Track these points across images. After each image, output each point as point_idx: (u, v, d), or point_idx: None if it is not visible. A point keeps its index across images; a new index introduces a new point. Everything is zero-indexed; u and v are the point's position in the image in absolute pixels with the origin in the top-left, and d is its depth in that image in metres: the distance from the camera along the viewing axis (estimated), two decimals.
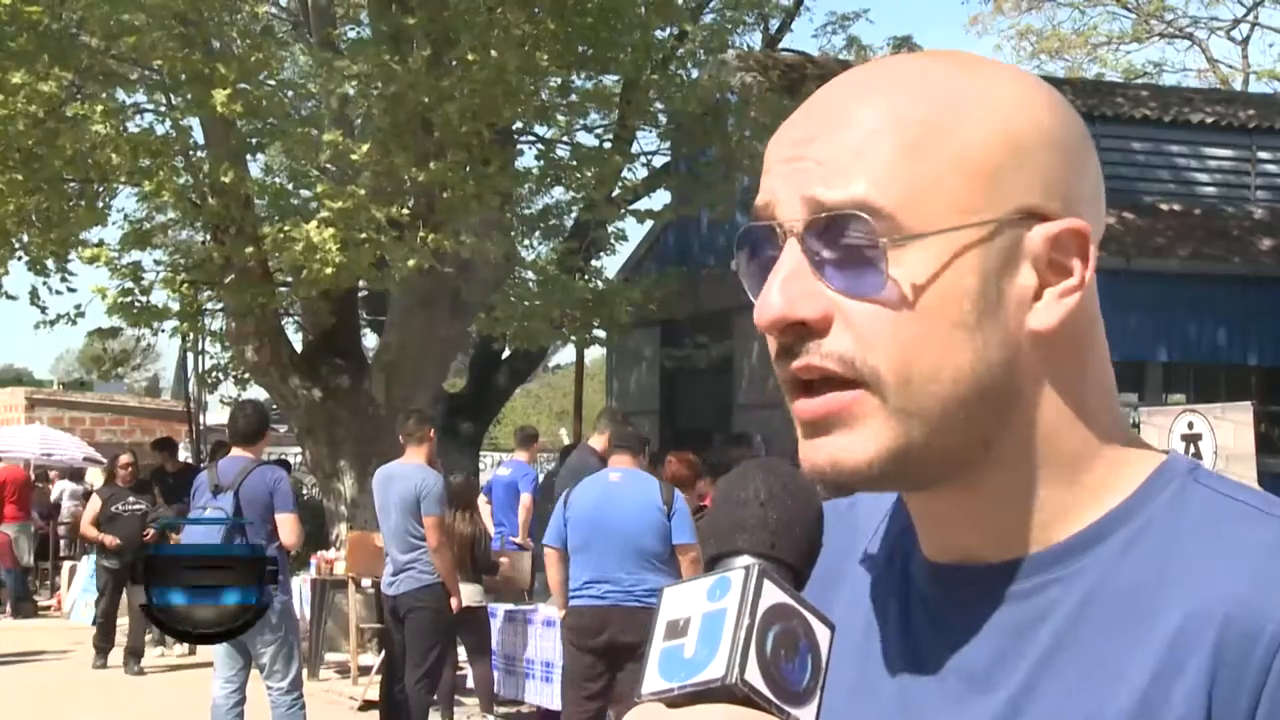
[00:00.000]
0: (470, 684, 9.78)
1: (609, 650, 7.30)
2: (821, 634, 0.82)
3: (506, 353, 17.40)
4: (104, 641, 12.77)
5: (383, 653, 9.90)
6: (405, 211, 11.97)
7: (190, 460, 17.34)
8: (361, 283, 13.79)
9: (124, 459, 13.19)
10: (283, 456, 18.04)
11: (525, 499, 12.23)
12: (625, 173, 15.39)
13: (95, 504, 12.99)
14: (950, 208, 0.91)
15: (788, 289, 0.90)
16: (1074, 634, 0.92)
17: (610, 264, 20.23)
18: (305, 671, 8.76)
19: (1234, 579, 0.87)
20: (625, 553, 7.29)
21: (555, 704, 9.10)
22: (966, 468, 0.94)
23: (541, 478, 13.87)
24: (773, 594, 0.81)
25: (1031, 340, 0.93)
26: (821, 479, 0.93)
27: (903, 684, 0.98)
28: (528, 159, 15.81)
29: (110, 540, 12.52)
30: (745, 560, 0.83)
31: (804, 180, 0.92)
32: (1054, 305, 0.94)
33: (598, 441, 9.32)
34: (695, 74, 15.49)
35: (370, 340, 17.44)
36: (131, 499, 12.68)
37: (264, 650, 7.64)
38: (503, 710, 10.02)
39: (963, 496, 0.95)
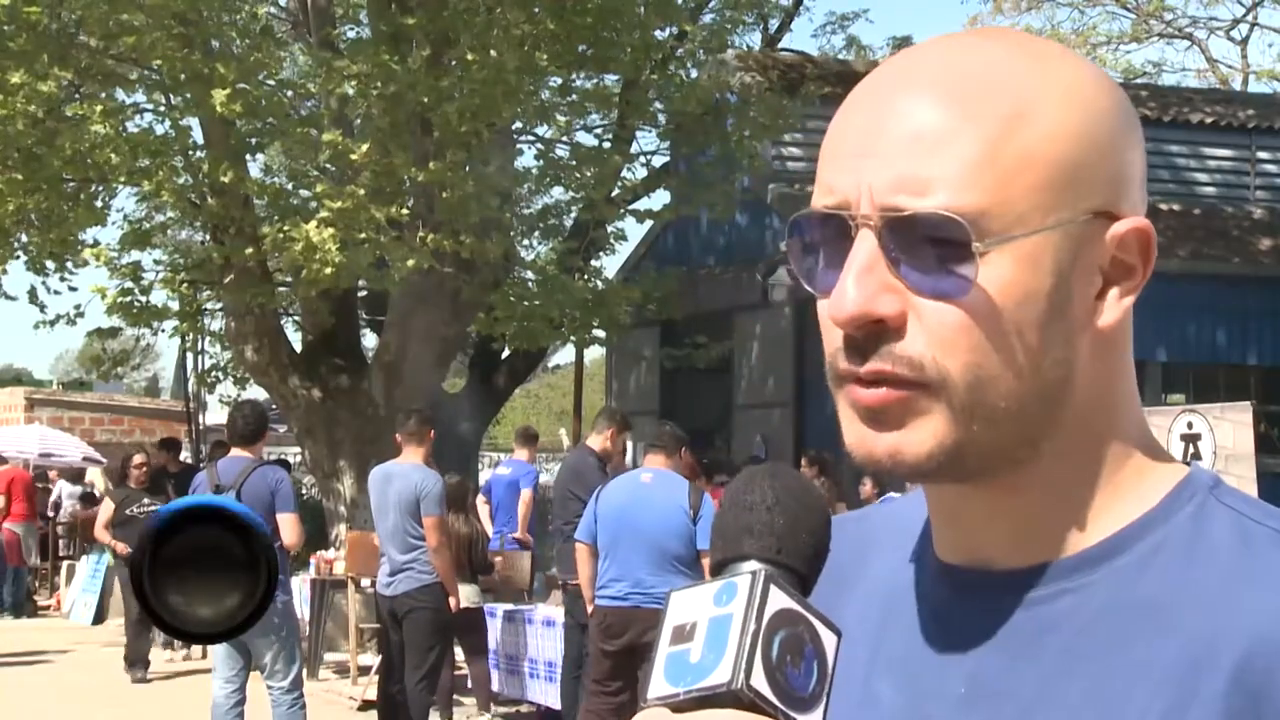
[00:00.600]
0: (469, 684, 9.78)
1: (629, 651, 7.35)
2: (828, 640, 0.82)
3: (506, 353, 17.39)
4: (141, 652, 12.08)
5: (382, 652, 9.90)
6: (405, 211, 11.97)
7: (191, 460, 17.33)
8: (361, 282, 13.79)
9: (137, 459, 12.73)
10: (282, 456, 18.03)
11: (526, 494, 12.22)
12: (625, 173, 15.39)
13: (108, 507, 12.57)
14: (1032, 208, 0.89)
15: (864, 284, 0.88)
16: (1088, 646, 0.91)
17: (610, 264, 20.21)
18: (305, 671, 8.75)
19: (1255, 610, 0.87)
20: (650, 554, 7.34)
21: (558, 703, 9.10)
22: (1013, 465, 0.93)
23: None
24: (779, 599, 0.81)
25: (1090, 339, 0.93)
26: (876, 468, 0.93)
27: (912, 690, 0.97)
28: (527, 159, 15.82)
29: (121, 548, 12.10)
30: (752, 565, 0.83)
31: (881, 178, 0.89)
32: (1115, 305, 0.94)
33: (595, 441, 9.31)
34: (695, 74, 15.48)
35: (370, 340, 17.46)
36: (146, 500, 12.17)
37: (264, 650, 7.64)
38: (502, 710, 10.02)
39: (999, 496, 0.94)
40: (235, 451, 7.95)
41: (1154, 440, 0.99)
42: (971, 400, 0.89)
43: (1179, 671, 0.87)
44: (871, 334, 0.89)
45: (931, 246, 0.88)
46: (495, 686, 9.83)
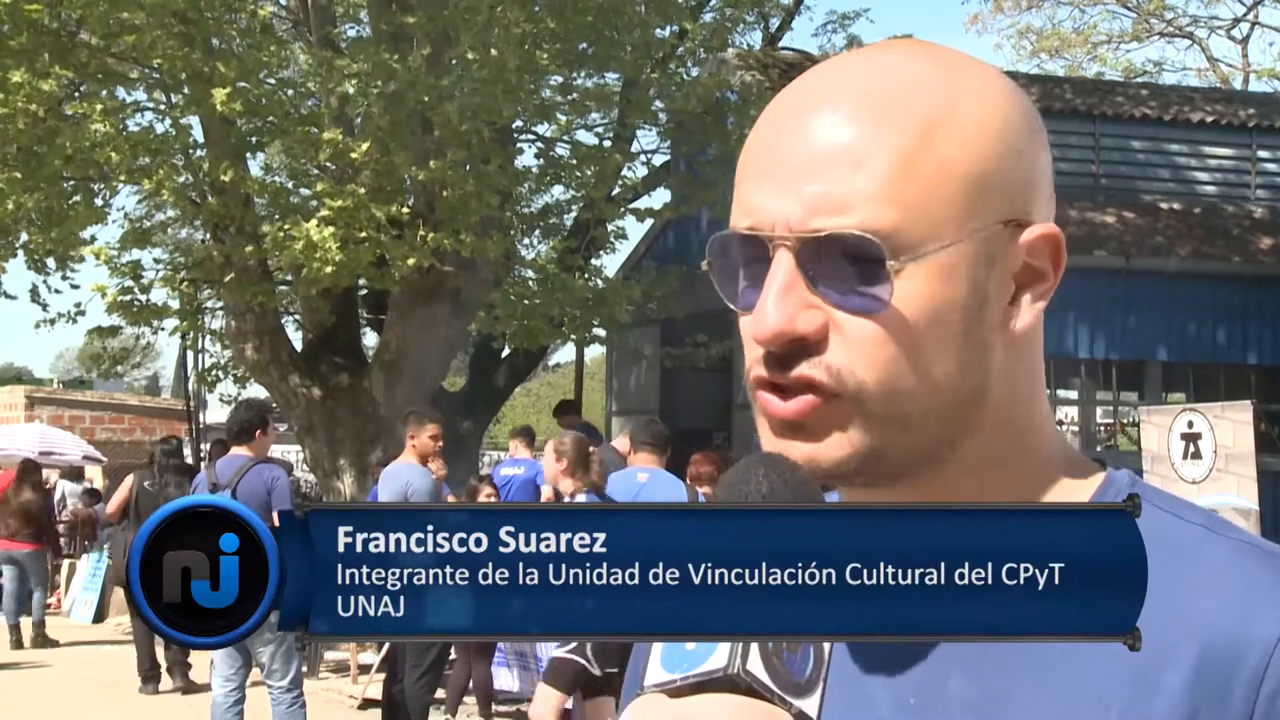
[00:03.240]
0: (470, 684, 9.77)
1: (624, 647, 7.28)
2: None
3: (506, 351, 17.40)
4: (180, 657, 11.55)
5: (383, 651, 9.90)
6: (405, 210, 11.97)
7: (189, 459, 17.31)
8: (361, 281, 13.79)
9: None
10: (281, 456, 18.00)
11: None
12: (625, 171, 15.39)
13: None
14: (946, 220, 0.90)
15: (784, 303, 0.90)
16: (1035, 651, 0.91)
17: (610, 263, 20.24)
18: (305, 670, 8.75)
19: (1207, 606, 0.88)
20: None
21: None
22: (933, 466, 0.94)
23: None
24: None
25: (1004, 343, 0.95)
26: None
27: (855, 705, 0.97)
28: (527, 157, 15.83)
29: None
30: None
31: (797, 198, 0.90)
32: (1028, 309, 0.95)
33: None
34: (695, 72, 15.48)
35: (370, 339, 17.44)
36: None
37: (264, 649, 7.65)
38: (503, 709, 10.01)
39: (923, 498, 0.95)
40: (233, 450, 7.97)
41: (1064, 437, 1.02)
42: (887, 410, 0.91)
43: (1134, 671, 0.88)
44: (793, 350, 0.91)
45: (849, 263, 0.89)
46: (505, 684, 9.79)
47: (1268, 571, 0.90)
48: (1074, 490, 0.97)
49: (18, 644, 13.62)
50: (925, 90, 0.92)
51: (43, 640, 13.80)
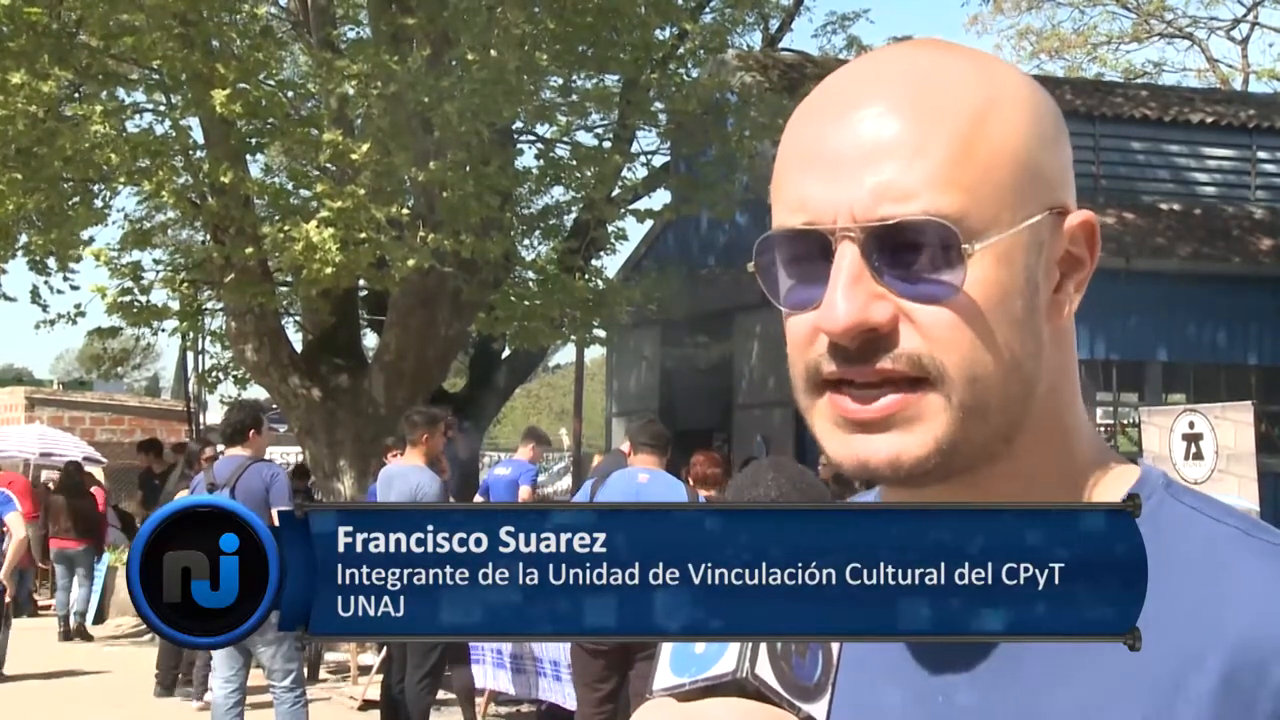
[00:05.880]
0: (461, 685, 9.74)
1: (620, 650, 7.29)
2: None
3: (506, 352, 17.40)
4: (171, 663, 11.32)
5: (383, 652, 9.89)
6: (405, 211, 11.96)
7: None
8: (361, 282, 13.79)
9: (208, 452, 12.71)
10: (292, 458, 17.98)
11: (525, 491, 12.17)
12: (625, 172, 15.39)
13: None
14: (1005, 206, 0.91)
15: (853, 295, 0.89)
16: (1068, 659, 0.91)
17: (610, 264, 20.23)
18: (305, 671, 8.74)
19: (1237, 610, 0.87)
20: None
21: (569, 703, 9.07)
22: (989, 461, 0.94)
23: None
24: None
25: (1051, 332, 0.95)
26: (870, 476, 0.93)
27: (865, 710, 0.96)
28: (527, 158, 15.83)
29: None
30: None
31: (860, 189, 0.89)
32: (1072, 297, 0.96)
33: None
34: (695, 73, 15.49)
35: (370, 340, 17.45)
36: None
37: (265, 650, 7.65)
38: (504, 710, 10.01)
39: (969, 497, 0.94)
40: (230, 451, 7.98)
41: (1097, 432, 1.02)
42: (969, 396, 0.90)
43: (1161, 677, 0.87)
44: (866, 343, 0.90)
45: (915, 252, 0.89)
46: (503, 686, 9.77)
47: None
48: (1111, 488, 0.96)
49: (66, 635, 14.21)
50: (965, 81, 0.93)
51: (81, 634, 14.21)
